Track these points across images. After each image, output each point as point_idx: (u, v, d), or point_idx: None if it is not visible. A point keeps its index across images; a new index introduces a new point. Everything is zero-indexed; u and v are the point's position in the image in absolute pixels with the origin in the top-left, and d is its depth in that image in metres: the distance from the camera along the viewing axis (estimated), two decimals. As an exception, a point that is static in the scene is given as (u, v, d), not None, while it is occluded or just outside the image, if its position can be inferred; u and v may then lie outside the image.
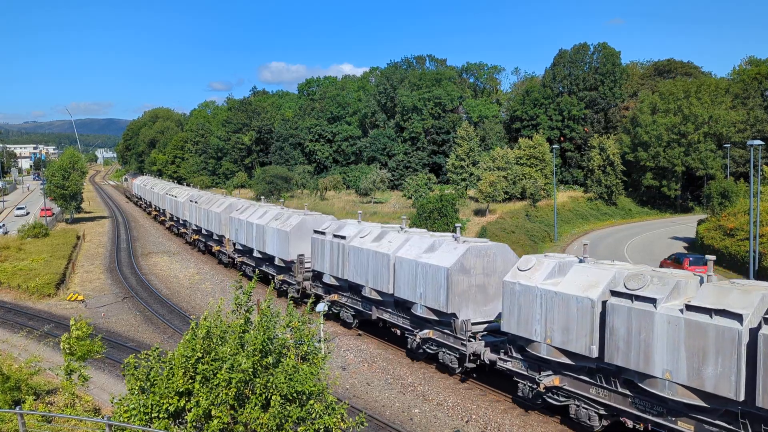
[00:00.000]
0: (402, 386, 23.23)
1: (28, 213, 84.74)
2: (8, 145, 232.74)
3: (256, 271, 37.05)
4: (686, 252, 46.66)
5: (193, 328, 11.42)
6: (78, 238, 60.42)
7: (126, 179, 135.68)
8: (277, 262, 35.12)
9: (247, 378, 10.55)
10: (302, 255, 32.90)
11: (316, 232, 31.16)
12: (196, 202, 52.58)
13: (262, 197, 66.33)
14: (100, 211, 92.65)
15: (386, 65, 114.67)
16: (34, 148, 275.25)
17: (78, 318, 19.95)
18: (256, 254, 38.13)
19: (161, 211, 74.82)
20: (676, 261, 38.41)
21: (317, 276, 31.47)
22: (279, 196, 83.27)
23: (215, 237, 47.40)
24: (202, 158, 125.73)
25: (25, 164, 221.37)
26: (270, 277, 36.20)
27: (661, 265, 36.55)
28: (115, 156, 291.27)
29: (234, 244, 42.31)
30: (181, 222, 60.22)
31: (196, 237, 53.54)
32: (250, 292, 11.92)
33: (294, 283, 33.32)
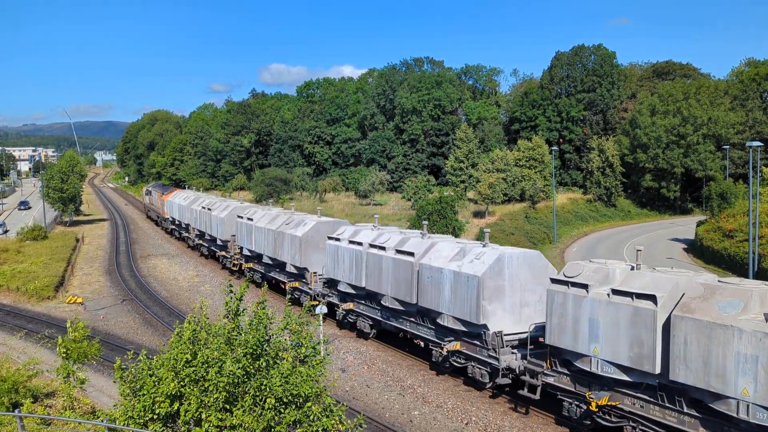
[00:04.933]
0: (401, 388, 23.19)
1: (30, 208, 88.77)
2: (7, 148, 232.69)
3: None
4: None
5: (178, 332, 11.41)
6: (77, 240, 60.35)
7: (149, 192, 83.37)
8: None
9: (237, 381, 10.47)
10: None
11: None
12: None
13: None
14: (99, 214, 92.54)
15: (383, 67, 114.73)
16: (33, 151, 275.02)
17: (75, 320, 19.91)
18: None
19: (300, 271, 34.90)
20: None
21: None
22: (278, 198, 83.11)
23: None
24: (201, 160, 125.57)
25: (24, 167, 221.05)
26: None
27: None
28: (114, 158, 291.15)
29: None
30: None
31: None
32: (240, 298, 11.88)
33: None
